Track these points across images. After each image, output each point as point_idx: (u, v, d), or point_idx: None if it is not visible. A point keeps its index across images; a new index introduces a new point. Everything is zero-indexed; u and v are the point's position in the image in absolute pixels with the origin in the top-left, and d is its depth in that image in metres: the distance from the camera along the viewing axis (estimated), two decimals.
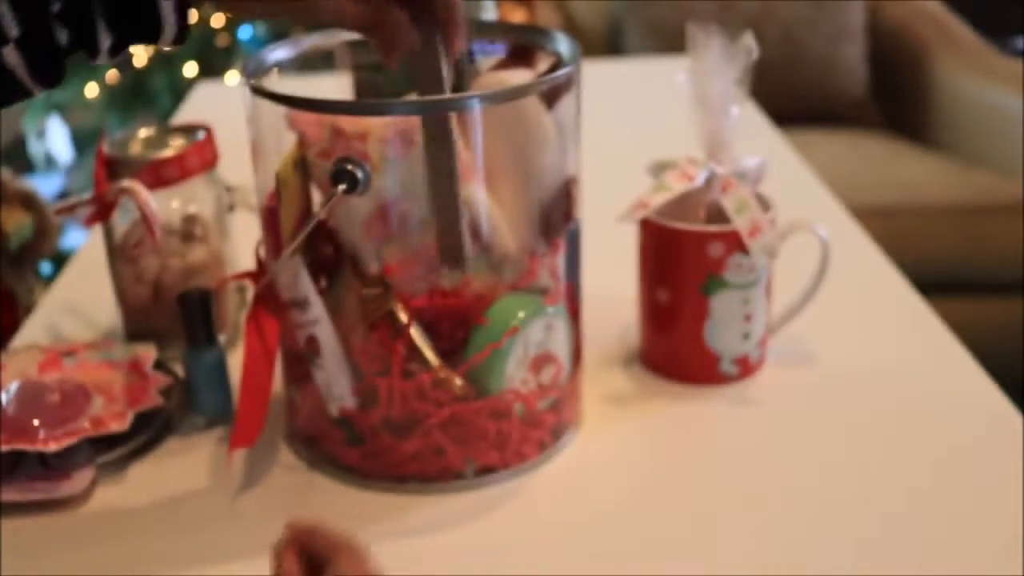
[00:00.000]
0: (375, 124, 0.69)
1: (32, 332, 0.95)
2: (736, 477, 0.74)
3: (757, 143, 1.29)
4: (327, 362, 0.72)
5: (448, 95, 0.67)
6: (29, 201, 1.84)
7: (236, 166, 0.88)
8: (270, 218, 0.72)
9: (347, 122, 0.70)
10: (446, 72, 0.64)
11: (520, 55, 0.81)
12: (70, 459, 0.74)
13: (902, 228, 2.08)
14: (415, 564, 0.67)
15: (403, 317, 0.70)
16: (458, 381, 0.71)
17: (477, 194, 0.70)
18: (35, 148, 2.78)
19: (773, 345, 0.86)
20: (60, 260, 2.04)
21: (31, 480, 0.73)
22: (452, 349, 0.72)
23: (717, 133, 0.78)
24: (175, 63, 2.50)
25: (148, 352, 0.85)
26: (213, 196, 0.90)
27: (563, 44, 0.74)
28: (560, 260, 0.74)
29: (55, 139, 2.75)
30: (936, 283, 1.78)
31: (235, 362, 0.78)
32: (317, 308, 0.71)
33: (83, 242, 1.22)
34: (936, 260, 2.08)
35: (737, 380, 0.84)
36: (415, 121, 0.70)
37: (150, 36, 0.54)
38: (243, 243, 0.89)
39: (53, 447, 0.73)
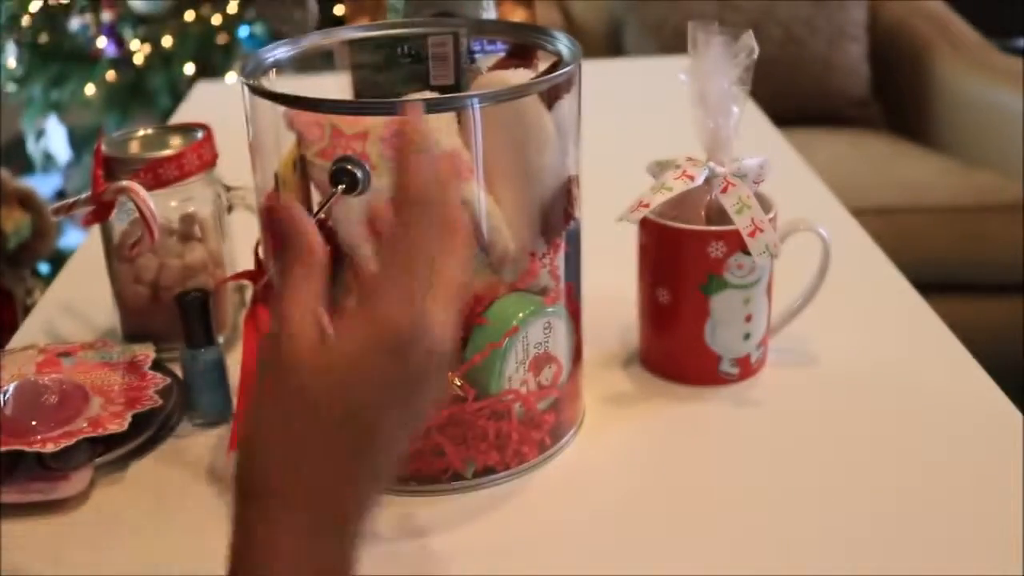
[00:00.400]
0: (374, 124, 0.69)
1: (30, 332, 0.95)
2: (737, 478, 0.74)
3: (757, 143, 1.29)
4: None
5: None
6: (27, 201, 1.83)
7: (235, 166, 0.88)
8: (269, 218, 0.72)
9: (346, 122, 0.69)
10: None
11: (520, 54, 0.81)
12: (68, 460, 0.74)
13: (902, 228, 2.07)
14: (415, 565, 0.66)
15: None
16: (457, 382, 0.70)
17: (477, 194, 0.70)
18: (33, 148, 2.78)
19: (774, 345, 0.86)
20: (58, 260, 2.03)
21: (29, 481, 0.73)
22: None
23: (717, 133, 0.78)
24: (174, 63, 2.50)
25: (146, 352, 0.85)
26: (212, 196, 0.90)
27: (563, 44, 0.74)
28: (560, 260, 0.74)
29: (53, 139, 2.75)
30: (936, 283, 1.78)
31: (234, 362, 0.78)
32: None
33: (81, 242, 1.22)
34: (936, 260, 2.08)
35: (738, 380, 0.83)
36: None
37: None
38: (242, 243, 0.89)
39: (51, 448, 0.72)
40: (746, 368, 0.83)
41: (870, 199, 2.08)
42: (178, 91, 2.48)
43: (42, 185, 2.45)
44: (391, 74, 0.81)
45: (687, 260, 0.80)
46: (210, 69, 2.50)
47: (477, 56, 0.82)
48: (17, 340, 0.93)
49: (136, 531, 0.71)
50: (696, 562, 0.66)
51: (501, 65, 0.80)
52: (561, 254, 0.74)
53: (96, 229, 0.91)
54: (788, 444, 0.77)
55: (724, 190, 0.79)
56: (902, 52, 2.50)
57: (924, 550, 0.66)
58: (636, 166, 0.85)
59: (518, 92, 0.70)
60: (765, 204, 0.81)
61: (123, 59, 2.55)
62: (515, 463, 0.74)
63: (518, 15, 0.88)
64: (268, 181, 0.71)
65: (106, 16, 2.55)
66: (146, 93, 2.54)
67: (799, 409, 0.81)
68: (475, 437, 0.72)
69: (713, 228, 0.79)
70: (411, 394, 0.46)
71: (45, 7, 2.58)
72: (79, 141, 2.73)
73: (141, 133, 0.90)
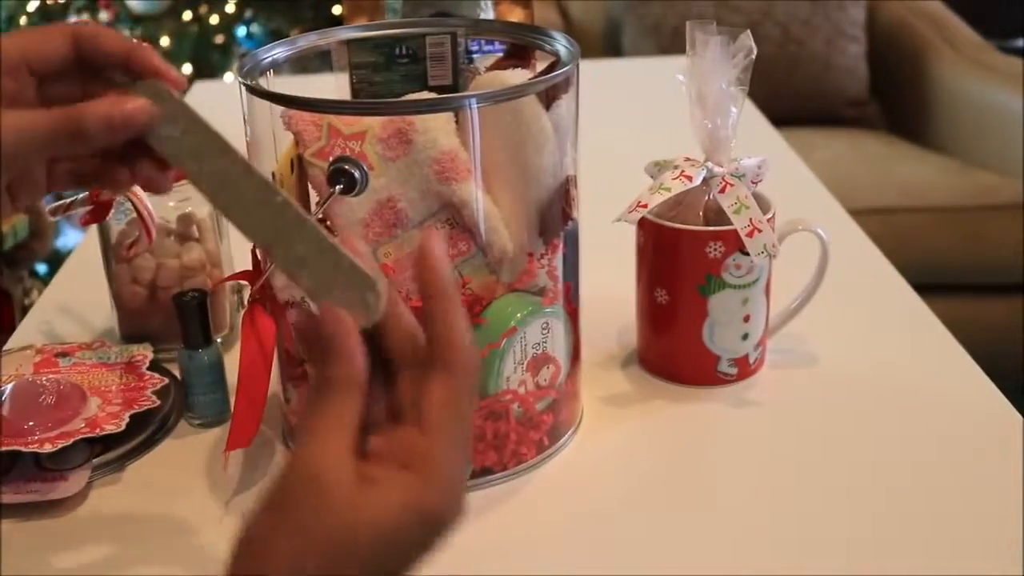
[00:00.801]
0: (372, 124, 0.69)
1: (27, 333, 0.95)
2: (735, 478, 0.74)
3: (756, 143, 1.29)
4: None
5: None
6: None
7: None
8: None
9: (343, 122, 0.69)
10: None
11: (518, 55, 0.81)
12: (66, 460, 0.73)
13: (901, 228, 2.08)
14: None
15: None
16: None
17: (475, 194, 0.70)
18: None
19: (772, 345, 0.86)
20: (56, 260, 2.03)
21: (26, 481, 0.72)
22: None
23: (715, 133, 0.78)
24: (171, 62, 2.49)
25: (144, 353, 0.85)
26: None
27: (561, 44, 0.74)
28: (558, 260, 0.74)
29: None
30: (935, 283, 1.78)
31: (231, 363, 0.78)
32: (314, 308, 0.71)
33: (79, 242, 1.22)
34: (935, 260, 2.08)
35: (736, 381, 0.83)
36: (411, 121, 0.69)
37: None
38: (240, 243, 0.89)
39: (48, 448, 0.72)
40: (744, 368, 0.83)
41: (869, 199, 2.08)
42: None
43: None
44: (389, 74, 0.81)
45: (685, 260, 0.80)
46: (207, 69, 2.50)
47: (475, 56, 0.82)
48: (15, 340, 0.93)
49: (133, 532, 0.70)
50: (695, 562, 0.66)
51: (499, 65, 0.80)
52: (559, 254, 0.74)
53: (94, 229, 0.91)
54: (786, 444, 0.77)
55: (722, 190, 0.79)
56: (901, 52, 2.50)
57: (924, 550, 0.66)
58: (634, 166, 0.85)
59: (516, 92, 0.70)
60: (763, 204, 0.81)
61: None
62: (513, 463, 0.74)
63: (516, 15, 0.88)
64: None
65: (104, 16, 2.55)
66: None
67: (797, 409, 0.81)
68: (473, 437, 0.72)
69: (711, 228, 0.79)
70: (425, 555, 0.45)
71: (43, 7, 2.58)
72: None
73: None
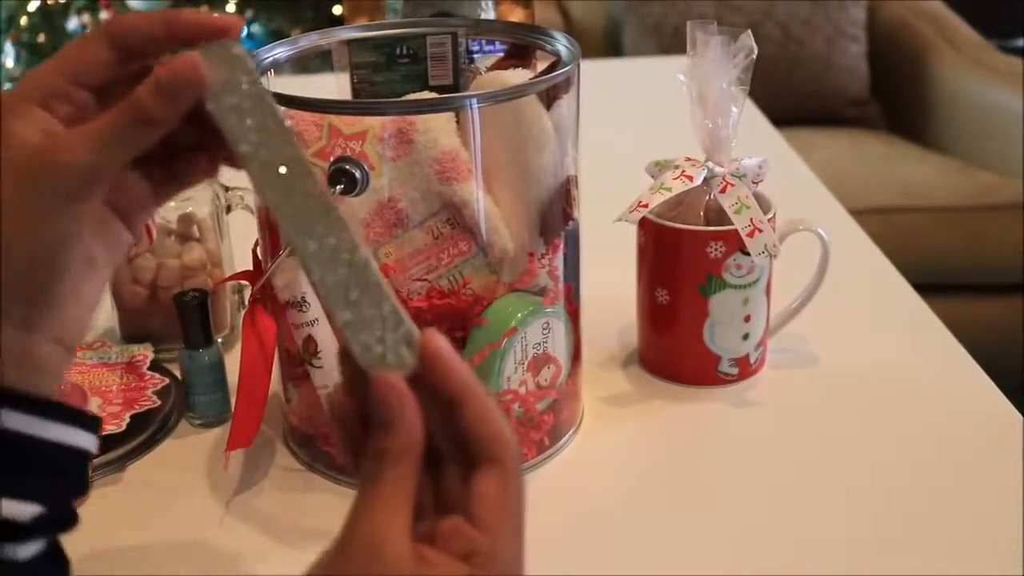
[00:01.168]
0: (372, 124, 0.69)
1: None
2: (736, 478, 0.74)
3: (757, 143, 1.29)
4: (325, 362, 0.71)
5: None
6: None
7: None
8: (267, 218, 0.72)
9: (344, 122, 0.69)
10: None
11: (519, 55, 0.81)
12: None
13: (902, 228, 2.08)
14: None
15: None
16: None
17: (476, 194, 0.70)
18: None
19: (773, 345, 0.86)
20: None
21: None
22: None
23: (716, 133, 0.78)
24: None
25: (145, 353, 0.85)
26: (210, 196, 0.90)
27: (562, 44, 0.74)
28: (559, 260, 0.74)
29: None
30: (935, 283, 1.78)
31: (232, 363, 0.78)
32: (315, 308, 0.71)
33: None
34: (935, 260, 2.08)
35: (737, 381, 0.83)
36: (412, 120, 0.69)
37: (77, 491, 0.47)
38: (240, 243, 0.89)
39: None
40: (745, 368, 0.83)
41: (869, 199, 2.08)
42: None
43: None
44: (390, 74, 0.81)
45: (686, 260, 0.80)
46: None
47: (476, 56, 0.82)
48: None
49: (134, 532, 0.70)
50: (695, 562, 0.66)
51: (500, 65, 0.80)
52: (560, 254, 0.74)
53: None
54: (787, 444, 0.77)
55: (723, 190, 0.79)
56: (901, 52, 2.50)
57: (924, 550, 0.66)
58: (635, 166, 0.85)
59: (517, 92, 0.70)
60: (764, 204, 0.81)
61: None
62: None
63: (516, 15, 0.88)
64: None
65: (104, 16, 2.55)
66: None
67: (798, 409, 0.81)
68: None
69: (712, 228, 0.79)
70: None
71: (43, 7, 2.58)
72: None
73: None
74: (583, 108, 0.74)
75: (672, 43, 2.40)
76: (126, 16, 0.47)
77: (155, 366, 0.84)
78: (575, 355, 0.78)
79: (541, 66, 0.79)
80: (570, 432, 0.78)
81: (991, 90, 2.29)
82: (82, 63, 0.46)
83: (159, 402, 0.79)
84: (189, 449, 0.78)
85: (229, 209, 0.91)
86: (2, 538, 0.43)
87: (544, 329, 0.73)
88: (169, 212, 0.88)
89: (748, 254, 0.78)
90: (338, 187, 0.65)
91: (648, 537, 0.69)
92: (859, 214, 1.17)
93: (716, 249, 0.79)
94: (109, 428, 0.75)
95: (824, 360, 0.87)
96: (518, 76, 0.75)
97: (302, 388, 0.75)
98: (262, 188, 0.45)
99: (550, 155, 0.72)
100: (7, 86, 2.61)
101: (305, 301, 0.71)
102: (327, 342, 0.71)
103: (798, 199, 0.95)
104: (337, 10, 2.50)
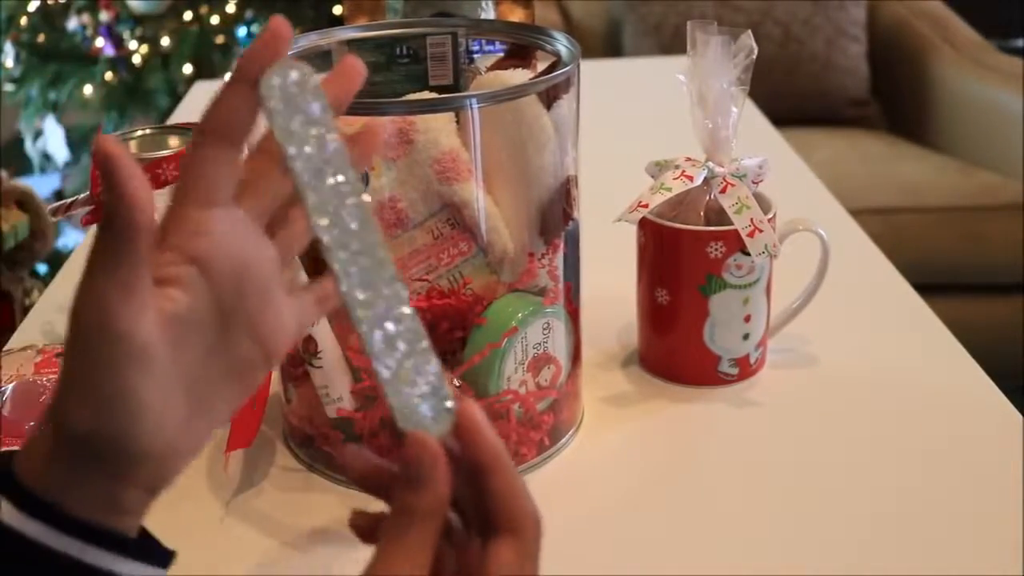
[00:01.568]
0: (372, 124, 0.69)
1: (28, 332, 0.95)
2: (736, 478, 0.74)
3: (757, 143, 1.29)
4: (325, 363, 0.71)
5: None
6: (25, 201, 1.83)
7: None
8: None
9: (344, 122, 0.69)
10: None
11: (519, 55, 0.81)
12: None
13: (902, 228, 2.08)
14: None
15: None
16: (456, 382, 0.70)
17: (476, 194, 0.70)
18: (31, 148, 2.78)
19: (773, 345, 0.86)
20: (56, 260, 2.03)
21: None
22: (450, 350, 0.71)
23: (716, 133, 0.78)
24: (172, 63, 2.50)
25: None
26: None
27: (562, 44, 0.74)
28: (559, 260, 0.74)
29: (51, 139, 2.75)
30: (936, 283, 1.78)
31: None
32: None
33: (79, 242, 1.22)
34: (936, 260, 2.08)
35: (737, 381, 0.83)
36: (412, 120, 0.69)
37: None
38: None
39: None
40: (745, 368, 0.83)
41: (869, 199, 2.08)
42: (176, 91, 2.48)
43: (40, 185, 2.45)
44: (390, 74, 0.81)
45: (686, 260, 0.80)
46: (208, 69, 2.50)
47: (476, 56, 0.82)
48: (15, 341, 0.93)
49: None
50: (695, 562, 0.66)
51: (500, 65, 0.80)
52: (560, 254, 0.74)
53: (94, 229, 0.90)
54: (787, 444, 0.77)
55: (723, 190, 0.79)
56: (901, 52, 2.50)
57: (924, 550, 0.66)
58: (635, 166, 0.85)
59: (517, 92, 0.70)
60: (764, 204, 0.81)
61: (121, 59, 2.55)
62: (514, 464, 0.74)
63: (517, 15, 0.88)
64: None
65: (104, 16, 2.55)
66: (144, 93, 2.54)
67: (798, 409, 0.81)
68: None
69: (712, 228, 0.79)
70: None
71: (43, 7, 2.58)
72: (77, 141, 2.73)
73: (139, 133, 0.89)
74: (583, 108, 0.74)
75: (672, 43, 2.40)
76: (213, 108, 0.46)
77: None
78: (575, 355, 0.78)
79: (541, 66, 0.79)
80: (570, 432, 0.78)
81: (991, 90, 2.29)
82: (212, 178, 0.45)
83: None
84: None
85: None
86: None
87: (544, 329, 0.73)
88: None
89: (748, 254, 0.78)
90: None
91: (648, 537, 0.69)
92: (859, 214, 1.17)
93: (716, 249, 0.78)
94: None
95: (824, 360, 0.86)
96: (518, 76, 0.75)
97: (302, 388, 0.75)
98: (320, 225, 0.44)
99: (550, 155, 0.72)
100: (7, 86, 2.61)
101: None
102: (327, 342, 0.71)
103: (798, 199, 0.95)
104: (337, 10, 2.51)
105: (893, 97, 2.51)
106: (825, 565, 0.65)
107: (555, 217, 0.73)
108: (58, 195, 2.71)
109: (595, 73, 0.97)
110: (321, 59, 0.84)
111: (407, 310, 0.43)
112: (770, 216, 0.79)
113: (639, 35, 2.47)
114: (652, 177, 0.82)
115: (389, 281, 0.43)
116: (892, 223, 2.06)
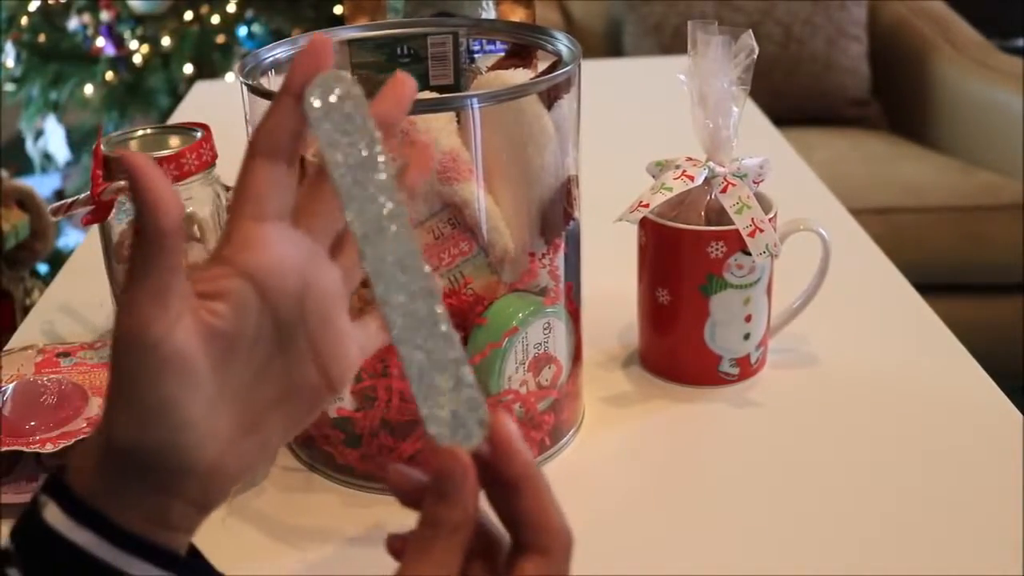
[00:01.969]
0: None
1: (29, 332, 0.95)
2: (736, 478, 0.74)
3: (757, 143, 1.29)
4: None
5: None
6: (26, 201, 1.83)
7: (234, 166, 0.87)
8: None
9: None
10: None
11: (519, 54, 0.81)
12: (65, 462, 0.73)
13: (902, 228, 2.08)
14: None
15: None
16: None
17: (477, 194, 0.70)
18: (32, 148, 2.78)
19: (774, 345, 0.86)
20: (57, 260, 2.03)
21: (28, 482, 0.72)
22: None
23: (717, 133, 0.78)
24: (173, 62, 2.50)
25: None
26: (211, 196, 0.90)
27: (563, 43, 0.74)
28: (560, 260, 0.74)
29: (52, 139, 2.75)
30: (936, 283, 1.78)
31: None
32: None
33: (80, 242, 1.22)
34: (936, 260, 2.08)
35: (738, 381, 0.83)
36: (412, 120, 0.69)
37: None
38: None
39: (50, 448, 0.72)
40: (746, 368, 0.83)
41: (870, 199, 2.08)
42: (177, 91, 2.48)
43: (41, 185, 2.45)
44: (390, 74, 0.81)
45: (687, 260, 0.80)
46: (209, 69, 2.50)
47: (476, 56, 0.82)
48: (16, 340, 0.93)
49: None
50: (696, 562, 0.66)
51: (500, 65, 0.80)
52: (560, 254, 0.74)
53: (95, 229, 0.91)
54: (788, 444, 0.77)
55: (724, 190, 0.79)
56: (902, 52, 2.50)
57: (924, 550, 0.66)
58: (636, 166, 0.85)
59: (518, 92, 0.70)
60: (765, 204, 0.81)
61: (122, 59, 2.55)
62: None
63: (517, 15, 0.88)
64: None
65: (105, 16, 2.55)
66: (145, 93, 2.54)
67: (799, 409, 0.81)
68: None
69: (713, 228, 0.79)
70: None
71: (43, 7, 2.58)
72: (78, 141, 2.73)
73: (140, 133, 0.89)
74: (584, 108, 0.74)
75: (673, 43, 2.40)
76: (261, 123, 0.46)
77: None
78: (576, 355, 0.78)
79: (542, 66, 0.79)
80: (571, 432, 0.78)
81: (992, 90, 2.29)
82: (263, 192, 0.45)
83: None
84: None
85: (230, 210, 0.91)
86: None
87: (545, 329, 0.73)
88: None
89: (749, 254, 0.78)
90: None
91: (648, 537, 0.69)
92: (860, 214, 1.17)
93: (717, 249, 0.78)
94: None
95: (825, 360, 0.86)
96: (519, 76, 0.75)
97: None
98: (348, 208, 0.44)
99: (551, 155, 0.72)
100: (8, 86, 2.61)
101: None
102: None
103: (799, 199, 0.95)
104: (337, 10, 2.51)
105: (894, 97, 2.51)
106: (825, 565, 0.65)
107: (556, 217, 0.73)
108: (59, 195, 2.71)
109: (596, 73, 0.98)
110: None
111: (443, 321, 0.43)
112: (771, 216, 0.79)
113: (640, 35, 2.47)
114: (653, 177, 0.82)
115: (426, 293, 0.43)
116: (892, 223, 2.06)
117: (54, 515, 0.43)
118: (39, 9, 2.58)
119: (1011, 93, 2.24)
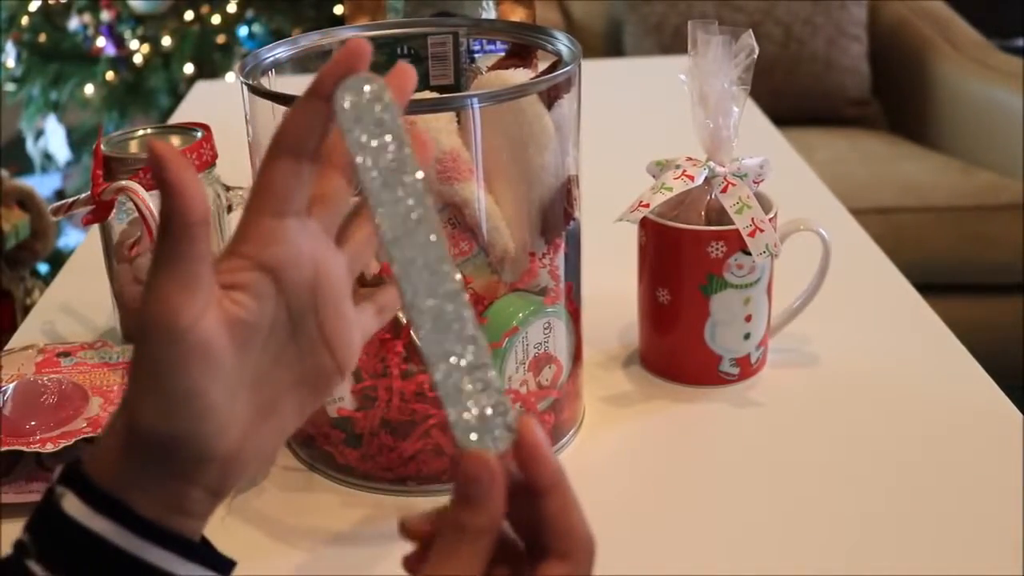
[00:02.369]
0: None
1: (29, 332, 0.95)
2: (736, 478, 0.74)
3: (757, 143, 1.29)
4: None
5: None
6: (26, 201, 1.83)
7: (234, 166, 0.87)
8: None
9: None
10: None
11: (520, 54, 0.81)
12: (67, 460, 0.73)
13: (902, 228, 2.08)
14: None
15: (401, 316, 0.70)
16: None
17: (477, 194, 0.70)
18: (32, 148, 2.78)
19: (774, 345, 0.86)
20: (57, 260, 2.04)
21: (28, 481, 0.72)
22: None
23: (717, 133, 0.78)
24: (173, 62, 2.50)
25: None
26: (211, 196, 0.90)
27: (563, 43, 0.74)
28: (560, 260, 0.74)
29: (52, 139, 2.75)
30: (936, 283, 1.78)
31: None
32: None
33: (80, 242, 1.22)
34: (936, 260, 2.08)
35: (738, 381, 0.83)
36: (413, 120, 0.69)
37: None
38: None
39: (50, 448, 0.72)
40: (746, 368, 0.83)
41: (870, 199, 2.08)
42: (177, 91, 2.48)
43: (41, 185, 2.45)
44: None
45: (687, 260, 0.80)
46: (209, 69, 2.50)
47: (477, 56, 0.82)
48: (16, 340, 0.93)
49: None
50: (696, 562, 0.66)
51: (501, 65, 0.80)
52: (561, 254, 0.74)
53: (95, 229, 0.91)
54: (788, 444, 0.77)
55: (724, 190, 0.79)
56: (902, 52, 2.50)
57: (924, 550, 0.66)
58: (636, 166, 0.85)
59: (518, 92, 0.70)
60: (765, 204, 0.81)
61: (122, 59, 2.55)
62: (508, 459, 0.74)
63: (518, 15, 0.88)
64: None
65: (105, 16, 2.55)
66: (145, 93, 2.54)
67: (799, 409, 0.81)
68: None
69: (713, 228, 0.79)
70: None
71: (44, 7, 2.58)
72: (78, 141, 2.73)
73: (140, 133, 0.90)
74: (584, 108, 0.74)
75: (673, 43, 2.40)
76: (287, 122, 0.46)
77: None
78: (576, 355, 0.78)
79: (542, 66, 0.79)
80: (571, 432, 0.78)
81: (992, 90, 2.29)
82: (286, 190, 0.46)
83: None
84: None
85: (230, 209, 0.91)
86: None
87: (545, 329, 0.73)
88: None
89: (749, 254, 0.78)
90: None
91: (648, 537, 0.69)
92: (860, 214, 1.17)
93: (717, 249, 0.79)
94: None
95: (825, 360, 0.86)
96: (519, 76, 0.75)
97: None
98: (375, 212, 0.44)
99: (551, 155, 0.72)
100: (8, 86, 2.61)
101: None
102: None
103: (799, 199, 0.95)
104: (337, 10, 2.51)
105: (894, 97, 2.51)
106: (825, 565, 0.65)
107: (556, 217, 0.74)
108: (59, 195, 2.71)
109: (596, 73, 0.98)
110: (321, 59, 0.84)
111: (470, 325, 0.43)
112: (771, 216, 0.79)
113: (640, 35, 2.47)
114: (653, 177, 0.82)
115: (454, 296, 0.43)
116: (893, 223, 2.06)
117: (72, 505, 0.44)
118: (39, 9, 2.58)
119: (1011, 93, 2.24)
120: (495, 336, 0.70)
